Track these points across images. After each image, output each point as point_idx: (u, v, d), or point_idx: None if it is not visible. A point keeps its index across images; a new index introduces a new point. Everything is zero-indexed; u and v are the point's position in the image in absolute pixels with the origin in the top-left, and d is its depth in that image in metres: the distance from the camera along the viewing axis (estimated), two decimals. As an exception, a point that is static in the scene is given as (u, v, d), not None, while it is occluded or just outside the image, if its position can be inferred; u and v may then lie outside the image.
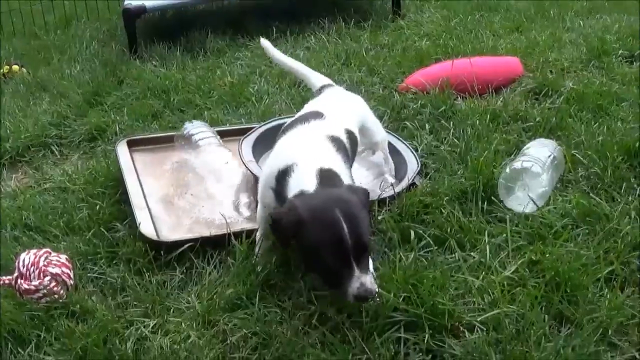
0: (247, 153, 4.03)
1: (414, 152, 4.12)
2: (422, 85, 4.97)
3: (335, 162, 3.08)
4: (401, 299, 3.00)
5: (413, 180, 3.86)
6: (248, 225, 3.58)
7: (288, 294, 3.23)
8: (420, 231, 3.48)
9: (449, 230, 3.49)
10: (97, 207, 3.86)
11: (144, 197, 3.87)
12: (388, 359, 2.80)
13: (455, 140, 4.30)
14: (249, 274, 3.30)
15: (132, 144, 4.31)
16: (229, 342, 3.01)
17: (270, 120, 4.34)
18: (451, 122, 4.52)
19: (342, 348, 2.83)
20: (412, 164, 4.01)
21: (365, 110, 3.93)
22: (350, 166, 3.34)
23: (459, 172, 3.95)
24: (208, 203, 3.89)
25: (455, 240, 3.44)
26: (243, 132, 4.22)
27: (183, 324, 3.13)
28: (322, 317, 3.05)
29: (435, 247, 3.41)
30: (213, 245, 3.51)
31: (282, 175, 3.03)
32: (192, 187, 4.07)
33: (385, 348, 2.86)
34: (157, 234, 3.52)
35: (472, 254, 3.37)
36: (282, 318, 3.10)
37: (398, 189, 3.74)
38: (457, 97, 4.93)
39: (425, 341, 2.89)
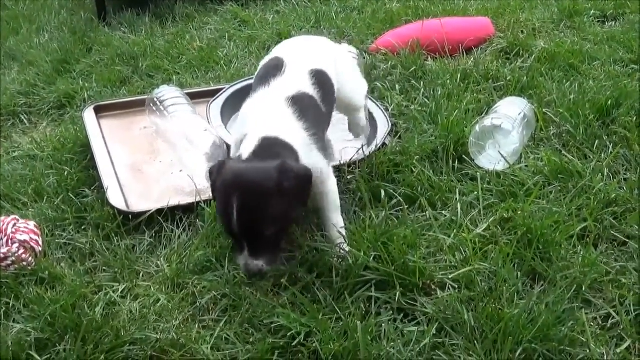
0: (215, 117, 3.98)
1: (384, 112, 4.07)
2: (392, 46, 4.95)
3: (288, 130, 2.84)
4: (372, 258, 2.98)
5: (384, 141, 3.80)
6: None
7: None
8: (391, 190, 3.47)
9: (419, 189, 3.48)
10: (66, 173, 3.82)
11: (112, 164, 3.81)
12: (359, 318, 2.77)
13: (426, 100, 4.28)
14: (218, 237, 3.27)
15: (99, 110, 4.33)
16: (198, 304, 3.00)
17: (238, 82, 4.34)
18: (422, 82, 4.50)
19: (313, 308, 2.81)
20: (383, 125, 3.95)
21: (341, 59, 3.57)
22: (327, 121, 3.24)
23: (429, 132, 3.93)
24: (179, 170, 3.82)
25: (426, 199, 3.43)
26: (212, 94, 4.12)
27: (152, 288, 3.11)
28: (292, 278, 3.02)
29: (406, 206, 3.39)
30: (183, 210, 3.49)
31: (236, 145, 2.99)
32: (163, 154, 4.01)
33: (355, 307, 2.85)
34: (126, 202, 3.48)
35: (443, 212, 3.36)
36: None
37: (368, 150, 3.69)
38: (428, 58, 4.91)
39: (397, 300, 2.88)
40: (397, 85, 4.50)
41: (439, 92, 4.31)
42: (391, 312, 2.88)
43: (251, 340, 2.79)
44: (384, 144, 3.82)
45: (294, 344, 2.71)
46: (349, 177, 3.54)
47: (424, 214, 3.34)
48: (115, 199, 3.52)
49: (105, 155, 3.88)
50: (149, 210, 3.42)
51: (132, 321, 2.92)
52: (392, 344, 2.71)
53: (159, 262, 3.26)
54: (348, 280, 2.94)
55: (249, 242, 2.62)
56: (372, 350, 2.66)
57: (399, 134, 4.01)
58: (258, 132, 2.78)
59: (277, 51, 3.33)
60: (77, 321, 2.87)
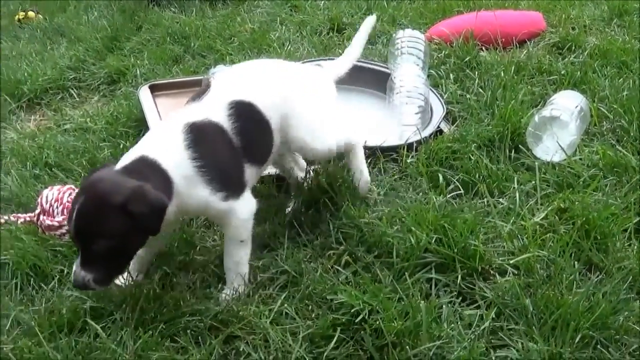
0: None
1: (439, 98, 4.07)
2: (445, 36, 4.94)
3: (169, 156, 2.66)
4: (433, 240, 2.97)
5: (439, 125, 3.80)
6: (274, 170, 3.51)
7: (316, 233, 3.22)
8: (449, 176, 3.45)
9: (477, 176, 3.46)
10: (120, 145, 3.84)
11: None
12: (419, 299, 2.75)
13: (481, 89, 4.27)
14: (275, 214, 3.29)
15: (154, 89, 4.25)
16: (258, 280, 2.99)
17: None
18: (476, 72, 4.49)
19: (374, 287, 2.81)
20: (438, 110, 3.94)
21: (300, 94, 3.09)
22: (247, 155, 2.89)
23: (485, 121, 3.91)
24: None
25: (484, 186, 3.38)
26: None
27: (210, 262, 3.11)
28: (351, 257, 3.04)
29: (464, 192, 3.35)
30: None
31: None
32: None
33: (416, 288, 2.84)
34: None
35: (500, 200, 3.34)
36: (311, 257, 3.07)
37: (425, 133, 3.69)
38: (481, 49, 4.86)
39: (458, 283, 2.89)
40: (451, 74, 4.49)
41: (494, 83, 4.27)
42: (451, 295, 2.87)
43: (313, 315, 2.79)
44: (440, 130, 3.79)
45: (356, 321, 2.71)
46: (408, 161, 3.51)
47: (482, 200, 3.33)
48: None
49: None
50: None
51: (191, 293, 2.93)
52: (452, 325, 2.70)
53: (215, 237, 3.26)
54: (409, 261, 2.94)
55: (82, 250, 2.52)
56: (434, 332, 2.63)
57: (455, 122, 3.98)
58: (141, 149, 2.69)
59: (219, 75, 3.28)
60: (134, 291, 2.86)
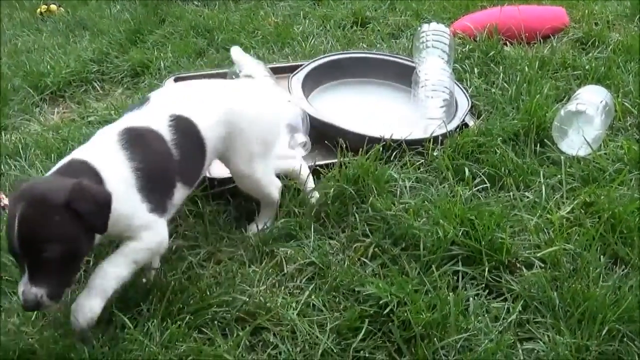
0: (296, 90, 3.98)
1: (464, 91, 4.07)
2: (469, 30, 4.94)
3: (102, 156, 2.55)
4: (460, 233, 2.97)
5: (464, 119, 3.79)
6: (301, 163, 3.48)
7: (342, 226, 3.22)
8: (475, 170, 3.45)
9: (502, 170, 3.46)
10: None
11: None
12: (447, 292, 2.77)
13: (505, 84, 4.26)
14: (301, 206, 3.29)
15: (179, 81, 4.25)
16: (285, 271, 3.00)
17: (318, 58, 4.27)
18: (500, 67, 4.47)
19: (401, 279, 2.80)
20: (463, 103, 3.94)
21: (245, 120, 2.99)
22: (183, 171, 2.80)
23: (510, 115, 3.91)
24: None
25: (509, 180, 3.38)
26: (291, 70, 4.11)
27: (236, 254, 3.12)
28: (378, 249, 3.04)
29: (489, 186, 3.37)
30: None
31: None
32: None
33: (443, 281, 2.84)
34: (209, 171, 3.47)
35: (526, 193, 3.34)
36: (338, 249, 3.08)
37: (450, 127, 3.69)
38: (505, 44, 4.86)
39: (485, 276, 2.89)
40: (475, 69, 4.48)
41: (518, 77, 4.26)
42: (477, 287, 2.88)
43: (341, 307, 2.79)
44: (465, 123, 3.79)
45: (384, 312, 2.71)
46: (434, 154, 3.51)
47: (508, 194, 3.33)
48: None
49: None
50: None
51: (217, 284, 2.93)
52: (480, 318, 2.71)
53: (243, 230, 3.26)
54: (436, 253, 2.94)
55: (29, 264, 2.29)
56: (461, 324, 2.64)
57: (480, 116, 3.97)
58: (71, 154, 2.58)
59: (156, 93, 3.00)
60: (164, 284, 2.87)
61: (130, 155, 2.57)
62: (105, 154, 2.56)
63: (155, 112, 2.77)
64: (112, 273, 2.60)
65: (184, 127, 2.77)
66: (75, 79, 4.91)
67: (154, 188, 2.61)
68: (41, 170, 3.64)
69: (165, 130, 2.71)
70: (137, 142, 2.61)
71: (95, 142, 2.67)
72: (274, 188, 3.16)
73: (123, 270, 2.62)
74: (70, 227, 2.34)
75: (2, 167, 3.83)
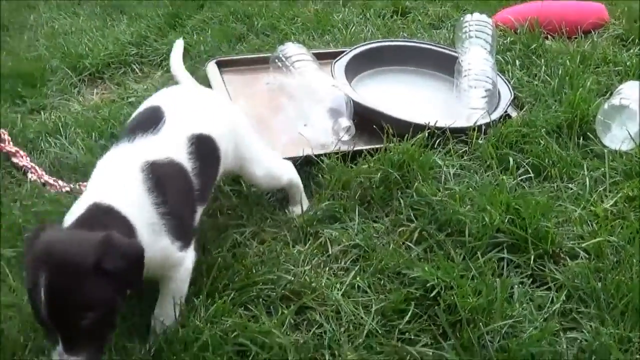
0: (339, 75, 3.99)
1: (506, 82, 4.07)
2: (510, 22, 4.94)
3: (129, 201, 2.30)
4: (505, 221, 2.97)
5: (507, 110, 3.80)
6: (343, 148, 3.54)
7: (386, 210, 3.24)
8: (519, 160, 3.46)
9: (546, 161, 3.45)
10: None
11: (237, 115, 3.81)
12: (487, 280, 2.78)
13: (547, 77, 4.26)
14: (344, 188, 3.31)
15: (221, 65, 4.35)
16: (330, 253, 3.02)
17: (360, 45, 4.35)
18: (542, 60, 4.48)
19: (446, 264, 2.81)
20: (505, 94, 3.94)
21: (240, 124, 2.97)
22: (201, 198, 2.67)
23: (553, 107, 3.90)
24: (303, 125, 3.82)
25: (553, 171, 3.39)
26: (333, 56, 4.15)
27: (280, 234, 3.15)
28: (422, 235, 3.05)
29: (533, 176, 3.40)
30: (305, 163, 3.51)
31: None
32: (286, 109, 3.98)
33: (488, 267, 2.84)
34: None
35: (569, 185, 3.34)
36: (382, 233, 3.10)
37: (494, 116, 3.70)
38: (546, 37, 4.86)
39: (529, 265, 2.90)
40: (517, 61, 4.47)
41: (560, 71, 4.25)
42: (521, 275, 2.88)
43: (386, 289, 2.80)
44: (507, 114, 3.79)
45: (430, 296, 2.72)
46: (480, 142, 3.51)
47: (551, 185, 3.33)
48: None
49: (230, 106, 3.88)
50: (277, 158, 3.39)
51: (262, 263, 2.94)
52: (524, 305, 2.71)
53: (287, 210, 3.28)
54: (481, 240, 2.94)
55: (63, 334, 2.02)
56: (506, 310, 2.65)
57: (522, 108, 3.97)
58: (91, 196, 2.27)
59: (160, 99, 2.81)
60: (209, 262, 2.90)
61: (156, 199, 2.34)
62: (130, 197, 2.31)
63: (174, 137, 2.56)
64: (167, 315, 2.58)
65: (205, 147, 2.64)
66: (114, 61, 4.91)
67: (181, 224, 2.42)
68: (82, 149, 3.65)
69: (186, 160, 2.54)
70: (162, 179, 2.38)
71: (115, 179, 2.38)
72: (291, 170, 3.20)
73: (172, 308, 2.57)
74: (104, 290, 2.06)
75: (42, 144, 3.82)
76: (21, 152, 3.77)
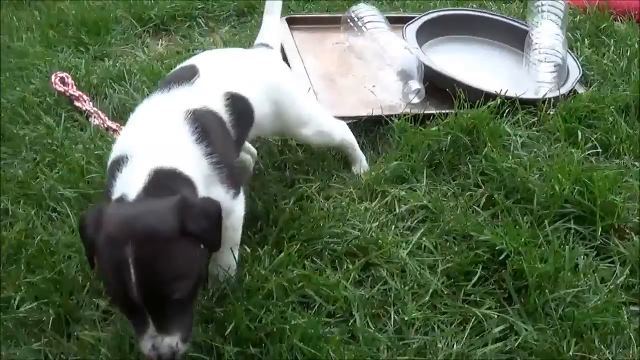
0: (411, 39, 3.99)
1: (575, 59, 4.06)
2: (580, 1, 4.89)
3: (186, 158, 2.21)
4: (574, 192, 2.98)
5: (574, 86, 3.79)
6: (413, 111, 3.54)
7: (453, 175, 3.25)
8: (587, 134, 3.44)
9: (614, 137, 3.44)
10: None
11: (306, 71, 3.84)
12: (555, 248, 2.77)
13: (616, 57, 4.23)
14: (412, 151, 3.31)
15: (291, 22, 4.23)
16: (396, 212, 3.03)
17: (432, 11, 4.34)
18: (611, 40, 4.44)
19: (514, 230, 2.81)
20: (574, 71, 3.93)
21: (286, 87, 2.90)
22: (237, 150, 2.61)
23: (621, 87, 3.88)
24: (371, 85, 3.85)
25: (621, 147, 3.39)
26: (404, 21, 4.16)
27: (346, 191, 3.16)
28: (490, 200, 3.06)
29: (600, 151, 3.39)
30: (374, 123, 3.54)
31: (114, 168, 2.19)
32: (355, 69, 4.01)
33: (554, 236, 2.84)
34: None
35: (636, 163, 3.32)
36: (450, 196, 3.12)
37: (563, 90, 3.68)
38: (616, 19, 4.82)
39: (595, 237, 2.91)
40: (586, 39, 4.45)
41: (629, 52, 4.23)
42: (587, 247, 2.89)
43: (453, 251, 2.81)
44: (575, 90, 3.78)
45: (498, 259, 2.74)
46: (550, 113, 3.51)
47: (618, 161, 3.33)
48: (311, 102, 3.52)
49: (299, 62, 3.92)
50: (345, 117, 3.42)
51: (328, 217, 2.96)
52: (589, 276, 2.72)
53: (352, 168, 3.30)
54: (549, 209, 2.95)
55: (154, 312, 1.92)
56: (572, 280, 2.65)
57: (590, 85, 3.96)
58: (146, 162, 2.12)
59: (195, 60, 2.73)
60: (275, 216, 2.95)
61: (206, 149, 2.26)
62: (186, 153, 2.23)
63: (210, 91, 2.49)
64: (226, 264, 2.56)
65: (241, 108, 2.57)
66: (180, 14, 4.92)
67: (231, 172, 2.35)
68: (147, 96, 3.67)
69: (222, 111, 2.48)
70: (207, 128, 2.30)
71: (164, 136, 2.26)
72: (344, 129, 3.18)
73: (230, 256, 2.56)
74: (192, 254, 1.99)
75: (106, 90, 3.86)
76: (84, 97, 3.82)
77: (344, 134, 3.15)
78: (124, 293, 1.88)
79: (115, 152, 2.25)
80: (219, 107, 2.46)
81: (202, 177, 2.22)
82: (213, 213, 2.05)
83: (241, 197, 2.47)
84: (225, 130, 2.45)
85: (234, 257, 2.59)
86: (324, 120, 3.05)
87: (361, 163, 3.23)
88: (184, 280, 1.95)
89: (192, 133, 2.26)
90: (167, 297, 1.91)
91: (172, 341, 1.96)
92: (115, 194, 2.10)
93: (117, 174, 2.14)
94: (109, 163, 2.27)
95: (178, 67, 2.75)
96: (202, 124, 2.29)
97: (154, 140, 2.23)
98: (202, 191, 2.19)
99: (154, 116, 2.36)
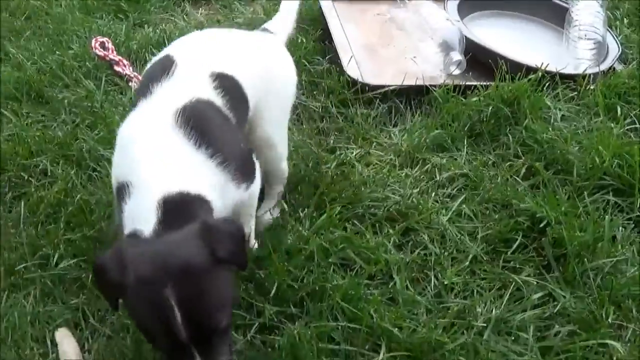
0: (452, 12, 4.01)
1: (615, 37, 4.06)
2: (619, -19, 4.89)
3: (189, 171, 2.05)
4: (614, 165, 3.00)
5: (613, 64, 3.80)
6: (454, 82, 3.57)
7: (494, 145, 3.28)
8: (626, 110, 3.46)
9: (652, 113, 3.46)
10: (299, 41, 3.89)
11: (348, 41, 3.87)
12: (595, 218, 2.80)
13: (654, 36, 4.23)
14: (453, 121, 3.35)
15: None
16: (437, 179, 3.06)
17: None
18: (651, 20, 4.44)
19: (554, 200, 2.84)
20: (613, 49, 3.94)
21: (279, 75, 2.72)
22: (242, 134, 2.42)
23: (658, 66, 3.89)
24: (412, 56, 3.87)
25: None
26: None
27: (386, 158, 3.20)
28: (529, 171, 3.10)
29: (639, 127, 3.40)
30: (415, 92, 3.57)
31: (120, 193, 2.07)
32: (396, 40, 4.05)
33: (593, 207, 2.88)
34: (362, 77, 3.53)
35: (673, 141, 3.34)
36: (490, 165, 3.15)
37: (603, 67, 3.71)
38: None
39: (633, 209, 2.93)
40: (625, 19, 4.44)
41: (667, 32, 4.25)
42: (624, 219, 2.91)
43: (494, 218, 2.85)
44: (613, 68, 3.79)
45: (538, 227, 2.77)
46: (591, 88, 3.54)
47: (656, 138, 3.34)
48: (353, 71, 3.58)
49: (341, 32, 3.94)
50: (386, 85, 3.48)
51: (369, 182, 3.00)
52: (626, 248, 2.74)
53: (392, 135, 3.34)
54: (588, 180, 2.98)
55: (201, 346, 1.83)
56: (610, 250, 2.68)
57: (629, 64, 3.97)
58: (151, 191, 1.98)
59: (169, 49, 2.49)
60: (314, 174, 2.99)
61: (207, 152, 2.09)
62: (188, 168, 2.06)
63: (193, 75, 2.29)
64: (249, 226, 2.55)
65: (231, 86, 2.34)
66: (226, -16, 4.91)
67: (239, 165, 2.19)
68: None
69: (214, 96, 2.26)
70: (203, 128, 2.10)
71: (161, 151, 2.07)
72: (287, 162, 2.87)
73: (252, 221, 2.56)
74: (227, 280, 1.91)
75: (147, 55, 3.89)
76: (124, 62, 3.84)
77: (285, 166, 2.88)
78: (169, 334, 1.78)
79: (116, 177, 2.12)
80: (209, 92, 2.25)
81: (213, 185, 2.07)
82: (237, 234, 1.94)
83: (257, 178, 2.37)
84: (222, 116, 2.25)
85: (251, 228, 2.61)
86: (285, 134, 2.83)
87: (274, 204, 2.91)
88: (227, 307, 1.88)
89: (188, 138, 2.07)
90: (214, 330, 1.83)
91: None
92: (126, 226, 2.00)
93: (123, 205, 2.03)
94: (113, 187, 2.16)
95: (152, 61, 2.49)
96: (196, 122, 2.09)
97: (153, 163, 2.04)
98: (218, 200, 2.06)
99: (144, 132, 2.12)
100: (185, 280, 1.78)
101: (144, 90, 2.22)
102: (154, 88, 2.20)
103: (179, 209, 1.93)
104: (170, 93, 2.19)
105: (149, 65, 2.47)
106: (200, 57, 2.36)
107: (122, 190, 2.03)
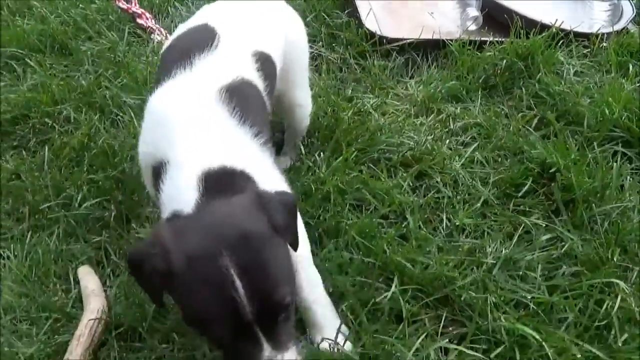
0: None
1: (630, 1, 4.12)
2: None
3: (234, 144, 1.96)
4: (624, 117, 3.06)
5: (627, 25, 3.85)
6: (470, 37, 3.63)
7: (507, 97, 3.35)
8: (637, 68, 3.51)
9: (663, 72, 3.52)
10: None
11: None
12: (603, 166, 2.86)
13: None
14: (468, 73, 3.42)
15: None
16: (451, 127, 3.14)
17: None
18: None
19: (564, 148, 2.92)
20: (628, 10, 4.00)
21: (300, 40, 2.71)
22: (267, 110, 2.31)
23: (672, 28, 3.94)
24: (430, 12, 3.93)
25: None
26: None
27: (402, 107, 3.27)
28: (541, 122, 3.16)
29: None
30: (432, 46, 3.63)
31: (157, 173, 1.95)
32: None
33: (602, 156, 2.94)
34: (380, 30, 3.60)
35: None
36: (502, 116, 3.21)
37: (616, 27, 3.75)
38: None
39: (641, 156, 2.95)
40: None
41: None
42: (632, 169, 2.97)
43: (505, 165, 2.93)
44: (627, 30, 3.84)
45: (548, 172, 2.84)
46: (604, 45, 3.60)
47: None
48: (371, 24, 3.65)
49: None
50: (403, 38, 3.55)
51: (384, 129, 3.08)
52: (633, 196, 2.80)
53: (408, 86, 3.41)
54: (598, 132, 3.04)
55: (267, 328, 1.65)
56: (618, 197, 2.75)
57: (642, 25, 4.03)
58: (192, 167, 1.85)
59: (206, 16, 2.41)
60: (330, 120, 3.07)
61: (252, 130, 2.01)
62: (232, 144, 1.97)
63: (238, 54, 2.23)
64: None
65: (269, 68, 2.30)
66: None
67: (275, 147, 2.23)
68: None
69: (257, 78, 2.21)
70: (246, 104, 2.04)
71: (204, 127, 1.98)
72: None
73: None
74: (286, 251, 1.77)
75: (169, 9, 4.00)
76: (147, 14, 3.90)
77: (308, 120, 2.91)
78: (231, 313, 1.59)
79: (148, 155, 2.02)
80: (252, 73, 2.19)
81: (258, 163, 1.98)
82: (291, 206, 1.80)
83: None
84: (262, 102, 2.21)
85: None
86: (309, 92, 2.85)
87: (292, 152, 3.00)
88: (290, 281, 1.72)
89: (231, 114, 2.00)
90: (279, 305, 1.64)
91: (292, 356, 1.69)
92: (164, 207, 1.88)
93: (160, 185, 1.91)
94: (141, 161, 2.09)
95: (187, 25, 2.42)
96: (240, 101, 2.02)
97: (196, 138, 1.93)
98: (261, 179, 1.92)
99: (184, 106, 2.02)
100: (246, 249, 1.61)
101: (182, 60, 2.11)
102: (197, 59, 2.11)
103: (224, 184, 1.80)
104: (215, 68, 2.11)
105: (181, 30, 2.41)
106: (241, 33, 2.28)
107: (158, 169, 1.92)
